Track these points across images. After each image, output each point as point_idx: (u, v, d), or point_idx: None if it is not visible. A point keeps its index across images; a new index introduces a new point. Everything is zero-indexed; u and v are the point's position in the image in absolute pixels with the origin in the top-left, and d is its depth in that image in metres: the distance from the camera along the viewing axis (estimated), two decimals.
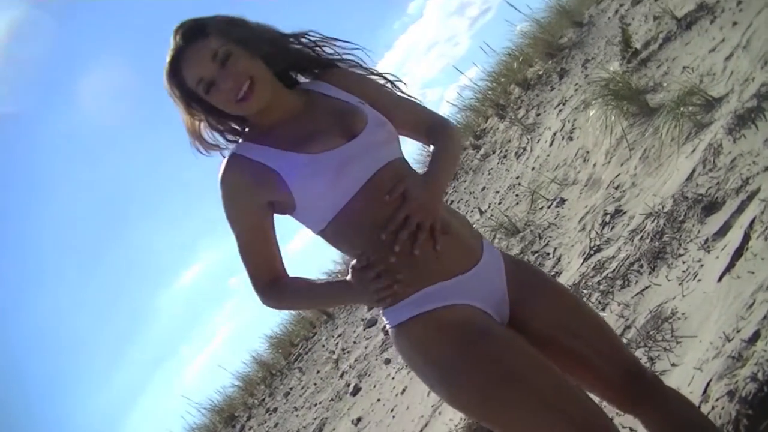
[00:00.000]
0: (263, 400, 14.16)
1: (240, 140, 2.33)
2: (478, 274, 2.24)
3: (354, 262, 2.22)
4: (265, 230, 2.32)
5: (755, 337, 3.01)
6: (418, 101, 2.55)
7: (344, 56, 2.46)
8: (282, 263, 2.38)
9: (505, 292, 2.29)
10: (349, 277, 2.22)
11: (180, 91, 2.23)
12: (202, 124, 2.32)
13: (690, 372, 3.19)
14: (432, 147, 2.46)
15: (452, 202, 12.16)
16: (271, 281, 2.34)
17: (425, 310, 2.18)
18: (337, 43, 2.44)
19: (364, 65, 2.48)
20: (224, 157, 2.29)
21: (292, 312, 16.09)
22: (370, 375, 8.78)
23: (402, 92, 2.52)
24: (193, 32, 2.20)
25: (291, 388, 12.84)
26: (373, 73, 2.49)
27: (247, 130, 2.35)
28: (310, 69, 2.44)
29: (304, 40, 2.40)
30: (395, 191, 2.19)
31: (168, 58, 2.21)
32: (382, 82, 2.50)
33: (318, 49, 2.42)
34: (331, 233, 2.27)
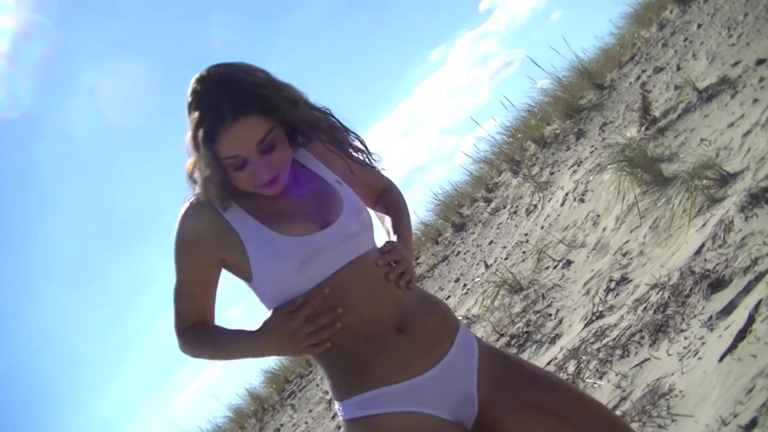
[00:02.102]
0: None
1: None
2: (438, 374, 2.17)
3: (274, 309, 2.16)
4: (208, 283, 2.25)
5: (752, 424, 2.96)
6: (370, 166, 2.47)
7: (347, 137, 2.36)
8: (212, 316, 2.30)
9: (474, 390, 2.21)
10: (267, 321, 2.15)
11: (207, 152, 2.07)
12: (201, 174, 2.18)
13: None
14: (388, 208, 2.50)
15: (459, 253, 12.11)
16: (191, 327, 2.26)
17: (372, 414, 2.13)
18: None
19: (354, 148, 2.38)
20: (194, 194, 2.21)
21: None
22: None
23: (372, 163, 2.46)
24: (243, 105, 2.04)
25: (282, 425, 12.76)
26: (356, 153, 2.39)
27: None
28: (308, 136, 2.32)
29: (319, 113, 2.29)
30: (384, 249, 2.22)
31: (207, 122, 2.05)
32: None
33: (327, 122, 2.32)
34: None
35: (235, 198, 2.18)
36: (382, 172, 2.56)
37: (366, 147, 2.39)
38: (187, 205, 2.20)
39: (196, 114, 2.06)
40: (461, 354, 2.23)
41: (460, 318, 2.41)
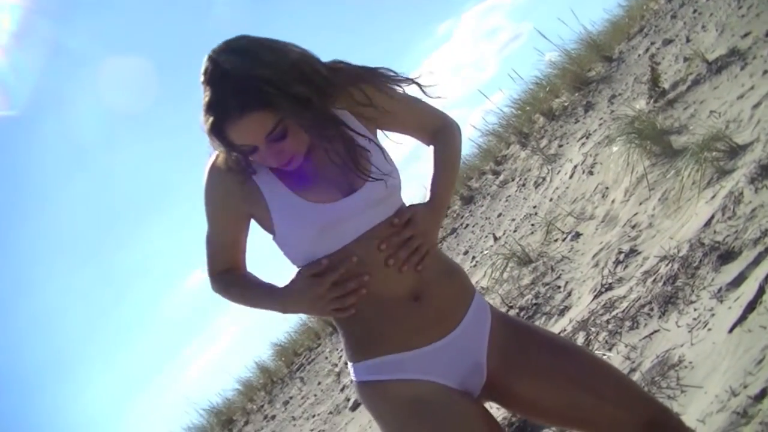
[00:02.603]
0: (262, 406, 14.14)
1: None
2: (448, 344, 2.18)
3: (300, 270, 2.18)
4: (237, 233, 2.29)
5: (762, 394, 2.97)
6: (428, 105, 2.46)
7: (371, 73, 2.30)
8: (243, 261, 2.35)
9: (484, 358, 2.23)
10: (293, 280, 2.18)
11: (220, 140, 2.07)
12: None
13: (693, 423, 3.14)
14: (434, 152, 2.44)
15: (467, 225, 12.13)
16: (224, 270, 2.32)
17: (380, 379, 2.17)
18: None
19: (391, 78, 2.31)
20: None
21: (299, 321, 16.11)
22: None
23: (414, 95, 2.40)
24: (248, 102, 2.01)
25: (291, 397, 12.81)
26: (399, 82, 2.32)
27: None
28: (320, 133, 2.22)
29: (343, 71, 2.24)
30: (403, 218, 2.19)
31: (213, 114, 2.03)
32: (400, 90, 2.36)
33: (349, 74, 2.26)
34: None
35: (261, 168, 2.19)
36: (436, 110, 2.49)
37: (409, 80, 2.33)
38: (214, 157, 2.21)
39: (205, 96, 2.05)
40: (474, 323, 2.24)
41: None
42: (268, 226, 2.19)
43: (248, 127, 2.03)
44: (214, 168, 2.20)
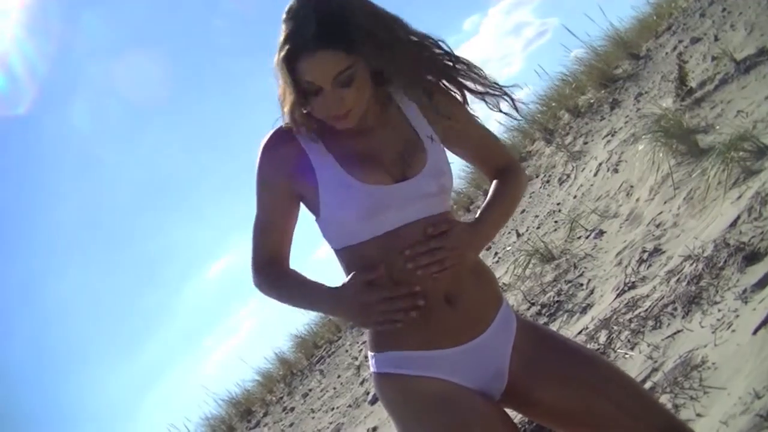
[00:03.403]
0: (281, 398, 14.15)
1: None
2: (473, 349, 2.18)
3: (354, 275, 2.15)
4: (287, 216, 2.26)
5: None
6: (500, 143, 2.52)
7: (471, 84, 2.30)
8: (288, 254, 2.32)
9: (506, 364, 2.22)
10: (344, 285, 2.15)
11: (288, 73, 2.07)
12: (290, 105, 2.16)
13: (715, 425, 3.13)
14: (495, 185, 2.42)
15: None
16: (269, 262, 2.28)
17: (401, 373, 2.16)
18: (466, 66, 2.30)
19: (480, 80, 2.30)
20: (283, 125, 2.22)
21: (320, 314, 16.11)
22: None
23: (486, 127, 2.44)
24: (329, 38, 2.01)
25: (310, 390, 12.82)
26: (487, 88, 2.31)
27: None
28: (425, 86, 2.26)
29: (440, 52, 2.25)
30: (439, 229, 2.15)
31: (290, 43, 2.04)
32: (474, 113, 2.37)
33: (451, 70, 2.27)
34: (346, 257, 2.21)
35: (320, 133, 2.18)
36: (507, 150, 2.55)
37: (499, 88, 2.32)
38: (270, 133, 2.23)
39: (284, 31, 2.06)
40: (499, 331, 2.23)
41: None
42: (314, 205, 2.19)
43: (321, 63, 2.03)
44: (269, 145, 2.22)
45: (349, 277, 2.15)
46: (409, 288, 2.10)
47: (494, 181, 2.45)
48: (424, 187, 2.14)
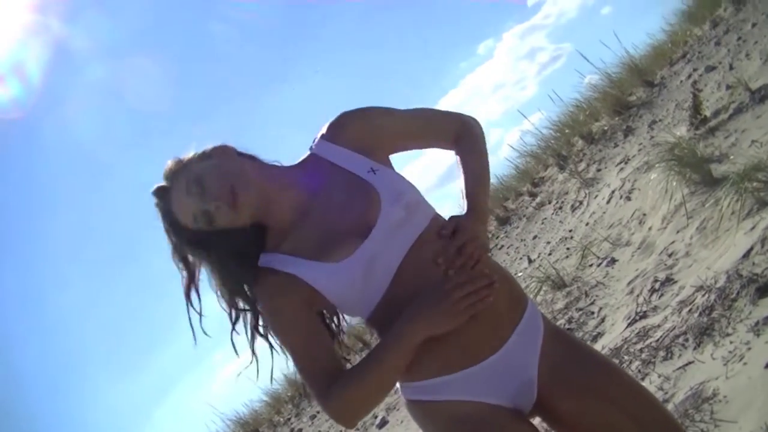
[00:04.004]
0: (289, 419, 14.10)
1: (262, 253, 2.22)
2: (498, 360, 2.13)
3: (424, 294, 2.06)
4: (320, 333, 2.17)
5: None
6: (437, 111, 2.46)
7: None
8: (343, 366, 2.17)
9: (534, 373, 2.17)
10: (417, 305, 2.05)
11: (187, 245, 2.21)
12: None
13: None
14: (460, 161, 2.40)
15: (502, 247, 12.07)
16: (334, 380, 2.08)
17: (428, 399, 2.14)
18: None
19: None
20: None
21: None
22: (398, 410, 8.69)
23: (419, 107, 2.42)
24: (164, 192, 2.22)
25: (318, 412, 12.76)
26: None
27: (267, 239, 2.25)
28: None
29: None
30: (449, 228, 2.14)
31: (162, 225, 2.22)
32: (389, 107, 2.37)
33: None
34: (377, 320, 2.15)
35: (278, 248, 2.18)
36: (448, 113, 2.47)
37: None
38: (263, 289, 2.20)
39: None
40: (525, 337, 2.18)
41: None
42: (326, 302, 2.14)
43: (179, 205, 2.18)
44: (268, 296, 2.18)
45: (418, 299, 2.06)
46: (479, 271, 2.08)
47: (457, 156, 2.42)
48: (393, 219, 2.11)
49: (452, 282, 2.04)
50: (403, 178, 2.25)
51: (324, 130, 2.31)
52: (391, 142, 2.34)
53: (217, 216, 2.13)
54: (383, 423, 8.81)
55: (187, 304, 2.24)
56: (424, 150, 2.51)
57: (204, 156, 2.22)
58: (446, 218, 2.24)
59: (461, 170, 2.38)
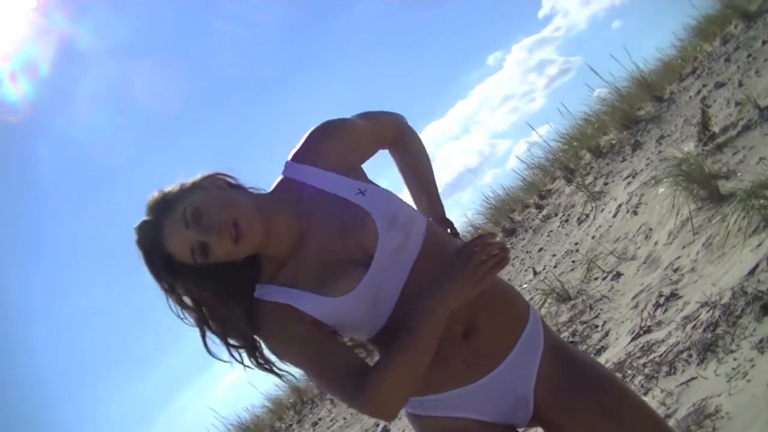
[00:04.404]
0: (291, 425, 14.09)
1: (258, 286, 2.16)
2: (493, 379, 2.13)
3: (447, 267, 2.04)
4: (321, 338, 2.09)
5: None
6: (374, 112, 2.42)
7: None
8: (361, 357, 2.11)
9: (530, 392, 2.16)
10: (440, 277, 2.02)
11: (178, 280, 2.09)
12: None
13: None
14: (402, 167, 2.44)
15: None
16: (362, 375, 2.01)
17: (425, 414, 2.17)
18: None
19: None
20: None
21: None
22: (401, 419, 8.70)
23: (360, 116, 2.37)
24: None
25: (320, 419, 12.78)
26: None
27: (261, 271, 2.18)
28: None
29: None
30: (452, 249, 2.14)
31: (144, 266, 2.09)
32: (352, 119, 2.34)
33: None
34: (384, 338, 2.11)
35: (274, 279, 2.13)
36: (381, 115, 2.44)
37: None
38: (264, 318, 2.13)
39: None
40: (523, 354, 2.17)
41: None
42: (323, 324, 2.09)
43: (173, 240, 2.05)
44: (267, 325, 2.12)
45: (445, 270, 2.03)
46: (489, 235, 2.07)
47: (398, 155, 2.44)
48: (391, 245, 2.07)
49: (466, 251, 2.02)
50: (391, 193, 2.21)
51: (298, 151, 2.25)
52: (362, 153, 2.32)
53: (217, 249, 2.04)
54: (385, 431, 8.81)
55: (208, 349, 2.14)
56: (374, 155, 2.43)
57: (195, 186, 2.13)
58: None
59: (409, 170, 2.42)
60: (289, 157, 2.25)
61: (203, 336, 2.12)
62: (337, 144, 2.24)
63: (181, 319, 2.12)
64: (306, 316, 2.05)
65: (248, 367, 2.15)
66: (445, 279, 2.00)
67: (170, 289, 2.08)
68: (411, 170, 2.42)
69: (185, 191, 2.11)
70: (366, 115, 2.38)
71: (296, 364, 2.11)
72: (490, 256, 2.01)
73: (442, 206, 2.41)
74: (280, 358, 2.12)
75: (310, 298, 2.05)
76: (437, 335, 1.99)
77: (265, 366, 2.15)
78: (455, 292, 1.99)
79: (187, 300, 2.09)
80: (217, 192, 2.12)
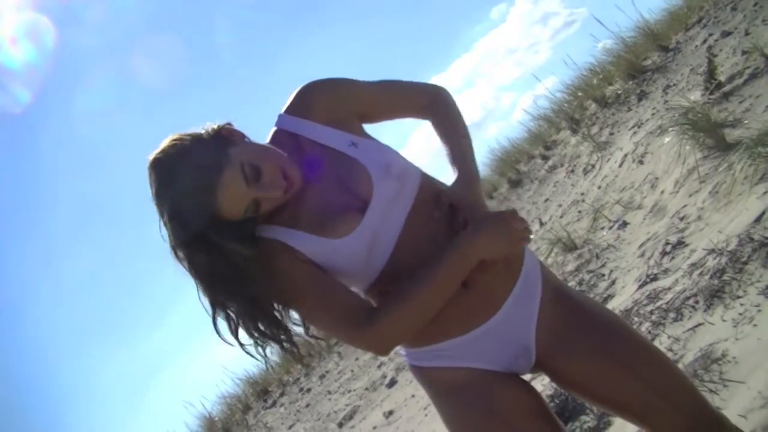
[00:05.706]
0: (298, 379, 14.18)
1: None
2: (493, 327, 2.12)
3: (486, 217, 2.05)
4: (324, 275, 2.09)
5: None
6: (406, 82, 2.43)
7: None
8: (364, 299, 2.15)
9: (532, 341, 2.17)
10: (477, 226, 2.02)
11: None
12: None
13: (734, 418, 3.12)
14: (438, 130, 2.36)
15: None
16: (367, 309, 2.05)
17: (426, 365, 2.18)
18: None
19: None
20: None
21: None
22: (407, 370, 8.76)
23: (385, 81, 2.38)
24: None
25: (327, 371, 12.86)
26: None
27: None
28: None
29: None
30: (442, 208, 2.12)
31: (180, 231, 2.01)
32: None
33: None
34: (377, 289, 2.14)
35: (271, 219, 2.13)
36: (417, 84, 2.44)
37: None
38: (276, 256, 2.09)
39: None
40: (521, 300, 2.16)
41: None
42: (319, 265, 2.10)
43: (228, 193, 2.01)
44: (266, 258, 2.07)
45: (480, 221, 2.03)
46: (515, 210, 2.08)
47: (434, 124, 2.38)
48: (387, 193, 2.08)
49: (509, 213, 2.04)
50: (384, 145, 2.22)
51: (291, 104, 2.26)
52: (361, 112, 2.30)
53: (269, 204, 2.07)
54: (392, 383, 8.88)
55: (241, 347, 2.16)
56: (394, 120, 2.43)
57: (227, 141, 2.09)
58: (434, 178, 2.25)
59: (442, 137, 2.35)
60: (283, 110, 2.26)
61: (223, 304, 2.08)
62: (331, 99, 2.24)
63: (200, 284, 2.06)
64: (303, 255, 2.06)
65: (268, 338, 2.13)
66: (485, 229, 2.01)
67: (206, 248, 2.00)
68: (443, 141, 2.39)
69: (221, 145, 2.07)
70: (386, 81, 2.39)
71: (298, 301, 2.10)
72: (524, 228, 2.05)
73: (468, 185, 2.20)
74: (283, 295, 2.09)
75: (309, 239, 2.06)
76: (459, 278, 2.02)
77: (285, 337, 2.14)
78: (490, 244, 2.00)
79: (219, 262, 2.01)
80: (253, 144, 2.14)
